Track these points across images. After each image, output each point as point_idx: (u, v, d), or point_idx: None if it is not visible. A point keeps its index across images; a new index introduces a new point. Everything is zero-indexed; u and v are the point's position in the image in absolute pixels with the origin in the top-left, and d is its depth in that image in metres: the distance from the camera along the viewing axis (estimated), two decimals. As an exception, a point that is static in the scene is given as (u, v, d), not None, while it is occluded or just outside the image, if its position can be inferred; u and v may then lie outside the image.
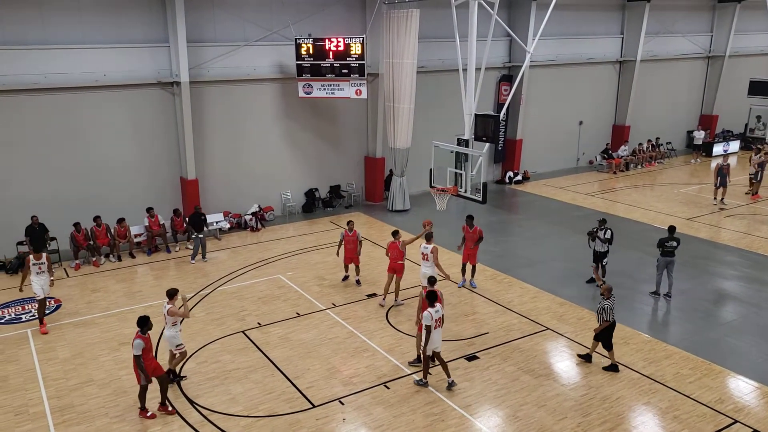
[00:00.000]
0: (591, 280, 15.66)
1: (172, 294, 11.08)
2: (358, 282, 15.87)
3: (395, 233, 14.67)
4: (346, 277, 16.02)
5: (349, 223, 15.58)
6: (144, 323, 10.13)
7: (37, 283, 13.47)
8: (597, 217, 21.47)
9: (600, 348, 11.90)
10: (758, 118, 27.05)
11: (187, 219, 18.43)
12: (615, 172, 28.61)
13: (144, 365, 10.04)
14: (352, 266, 15.83)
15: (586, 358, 12.06)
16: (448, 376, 11.12)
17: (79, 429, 9.99)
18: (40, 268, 13.52)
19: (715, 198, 23.20)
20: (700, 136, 30.09)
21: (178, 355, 11.29)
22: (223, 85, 20.01)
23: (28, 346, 12.79)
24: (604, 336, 11.73)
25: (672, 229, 14.97)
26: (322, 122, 22.29)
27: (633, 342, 12.84)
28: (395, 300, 14.60)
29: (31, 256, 13.57)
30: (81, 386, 11.28)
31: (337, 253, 15.67)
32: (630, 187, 26.27)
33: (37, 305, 13.65)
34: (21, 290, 13.63)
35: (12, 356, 12.38)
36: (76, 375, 11.66)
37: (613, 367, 11.73)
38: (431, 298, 10.82)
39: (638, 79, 29.64)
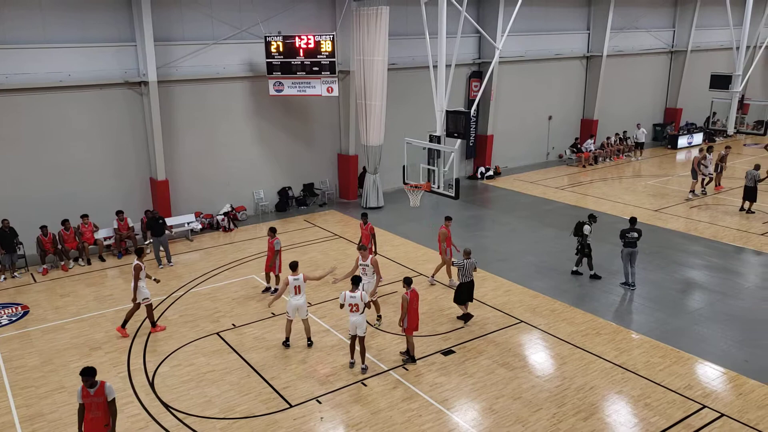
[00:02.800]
0: (575, 272, 15.99)
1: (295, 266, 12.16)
2: (267, 289, 15.13)
3: (364, 216, 15.34)
4: (266, 289, 15.25)
5: (269, 230, 14.91)
6: (95, 374, 8.33)
7: None
8: (567, 211, 21.94)
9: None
10: (713, 113, 27.78)
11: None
12: (584, 166, 29.04)
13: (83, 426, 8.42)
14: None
15: (464, 318, 13.42)
16: (363, 363, 11.64)
17: (51, 437, 9.80)
18: None
19: (692, 191, 23.43)
20: (641, 134, 30.45)
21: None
22: (193, 84, 19.76)
23: (-5, 354, 12.51)
24: (464, 294, 13.25)
25: (633, 221, 15.28)
26: (294, 120, 22.17)
27: (604, 332, 13.08)
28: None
29: None
30: (51, 394, 11.06)
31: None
32: (599, 180, 26.70)
33: None
34: None
35: (-21, 365, 12.09)
36: (45, 382, 11.43)
37: (466, 316, 13.41)
38: (353, 282, 11.42)
39: (605, 74, 30.16)
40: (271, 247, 14.73)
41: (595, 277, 15.82)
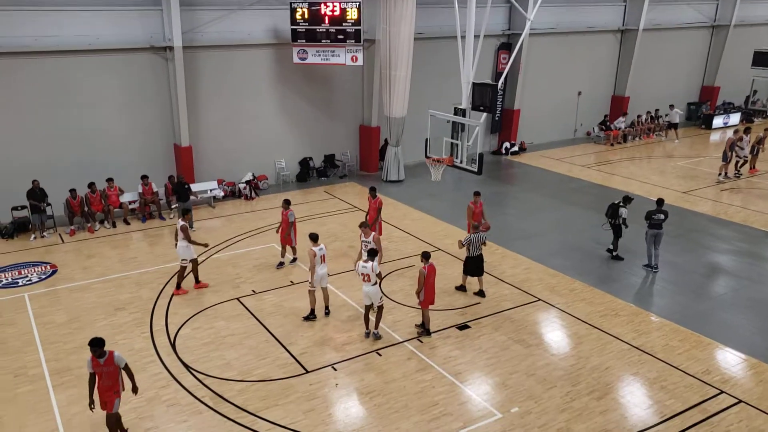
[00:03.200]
0: (616, 257, 15.74)
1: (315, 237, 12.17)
2: (281, 265, 14.95)
3: (373, 190, 15.27)
4: (281, 264, 15.06)
5: (283, 201, 14.75)
6: (103, 344, 8.44)
7: None
8: (592, 190, 21.64)
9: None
10: (754, 92, 26.81)
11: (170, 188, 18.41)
12: (612, 144, 28.53)
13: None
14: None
15: (480, 294, 13.56)
16: (375, 328, 11.80)
17: (77, 391, 10.10)
18: None
19: (721, 174, 22.85)
20: (675, 114, 29.48)
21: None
22: (217, 51, 19.75)
23: (25, 310, 12.88)
24: (470, 268, 13.34)
25: (660, 202, 15.02)
26: (317, 89, 22.08)
27: (623, 314, 12.98)
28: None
29: None
30: (78, 350, 11.39)
31: (277, 231, 15.04)
32: (627, 159, 26.23)
33: None
34: None
35: (10, 320, 12.47)
36: (72, 339, 11.77)
37: (481, 293, 13.54)
38: (369, 254, 11.51)
39: (640, 49, 29.31)
40: (285, 219, 14.61)
41: (615, 258, 15.64)
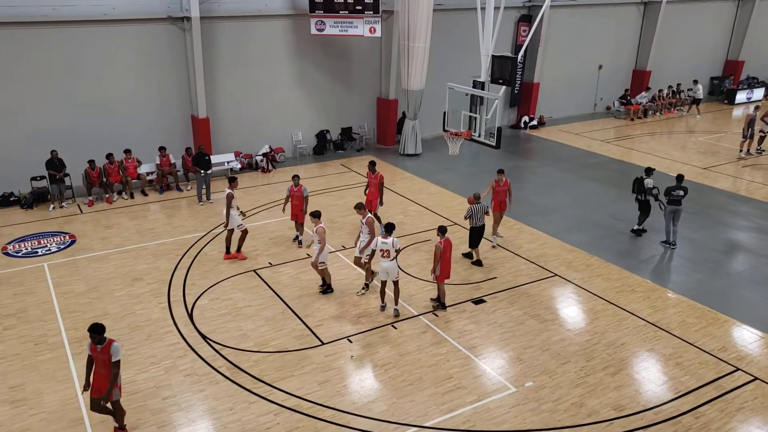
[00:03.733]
0: (637, 231, 15.61)
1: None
2: (297, 240, 14.77)
3: (372, 164, 15.08)
4: (296, 237, 14.87)
5: (294, 177, 14.39)
6: (103, 330, 8.25)
7: None
8: (611, 165, 21.38)
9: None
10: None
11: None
12: (632, 119, 28.08)
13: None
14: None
15: (477, 264, 13.77)
16: (396, 304, 11.75)
17: (96, 360, 10.29)
18: None
19: (741, 150, 22.47)
20: (698, 90, 28.80)
21: None
22: (235, 21, 19.59)
23: (45, 279, 13.08)
24: (475, 238, 13.49)
25: (680, 178, 14.80)
26: (334, 61, 21.89)
27: (640, 290, 12.90)
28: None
29: None
30: (96, 319, 11.52)
31: (283, 209, 14.65)
32: (647, 134, 25.83)
33: None
34: None
35: (30, 289, 12.69)
36: (91, 308, 11.96)
37: (478, 263, 13.76)
38: (386, 229, 11.37)
39: (663, 22, 28.60)
40: (300, 194, 14.26)
41: (637, 232, 15.48)
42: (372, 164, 15.32)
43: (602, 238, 15.44)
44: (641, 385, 9.90)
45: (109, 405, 8.44)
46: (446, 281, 11.97)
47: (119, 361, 8.21)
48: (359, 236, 12.74)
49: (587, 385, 9.86)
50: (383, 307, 11.90)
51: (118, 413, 8.59)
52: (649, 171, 15.37)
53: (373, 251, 11.81)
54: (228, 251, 14.06)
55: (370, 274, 12.74)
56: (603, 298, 12.56)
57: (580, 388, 9.79)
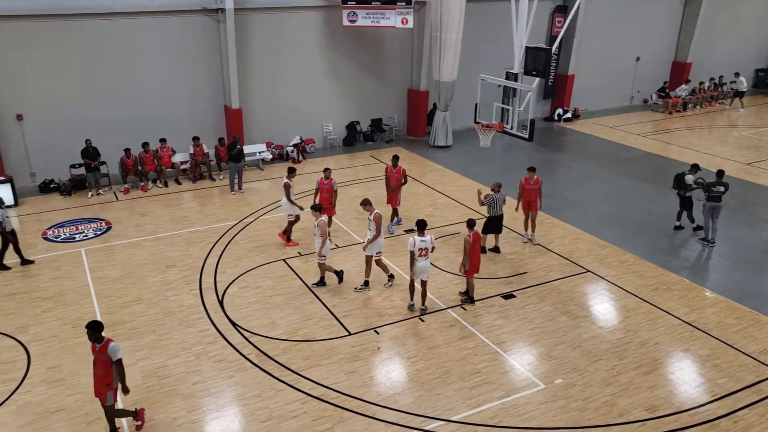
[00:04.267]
0: (677, 227, 15.28)
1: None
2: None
3: (395, 158, 14.82)
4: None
5: (325, 170, 14.21)
6: (101, 329, 8.10)
7: None
8: (648, 160, 20.90)
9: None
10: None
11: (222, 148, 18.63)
12: (671, 112, 27.38)
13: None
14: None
15: (495, 250, 13.79)
16: (423, 304, 11.52)
17: (129, 344, 10.49)
18: None
19: None
20: (741, 83, 27.91)
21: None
22: (268, 13, 19.66)
23: (82, 264, 13.37)
24: (491, 227, 13.42)
25: (720, 173, 14.38)
26: (365, 53, 21.82)
27: (676, 288, 12.59)
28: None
29: None
30: (130, 304, 11.80)
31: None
32: (686, 128, 25.17)
33: None
34: None
35: (67, 273, 12.98)
36: (125, 294, 12.18)
37: (496, 249, 13.81)
38: (419, 227, 11.07)
39: (705, 11, 27.75)
40: (329, 187, 14.08)
41: (699, 228, 15.05)
42: (395, 158, 15.06)
43: (637, 234, 15.11)
44: (676, 386, 9.66)
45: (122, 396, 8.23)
46: (475, 275, 11.85)
47: (121, 359, 8.03)
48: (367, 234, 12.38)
49: (619, 384, 9.67)
50: (411, 306, 11.66)
51: (108, 415, 8.37)
52: (694, 168, 14.94)
53: (412, 253, 11.04)
54: (288, 239, 14.32)
55: (387, 269, 12.47)
56: (637, 295, 12.29)
57: (612, 387, 9.60)
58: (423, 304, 11.56)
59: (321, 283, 12.48)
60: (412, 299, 11.68)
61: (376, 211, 12.01)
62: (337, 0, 20.00)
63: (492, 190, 13.47)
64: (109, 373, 8.09)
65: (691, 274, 13.20)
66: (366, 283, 12.41)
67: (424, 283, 11.42)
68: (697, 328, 11.18)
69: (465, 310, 11.66)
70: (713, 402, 9.32)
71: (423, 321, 11.29)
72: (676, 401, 9.33)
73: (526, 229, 14.53)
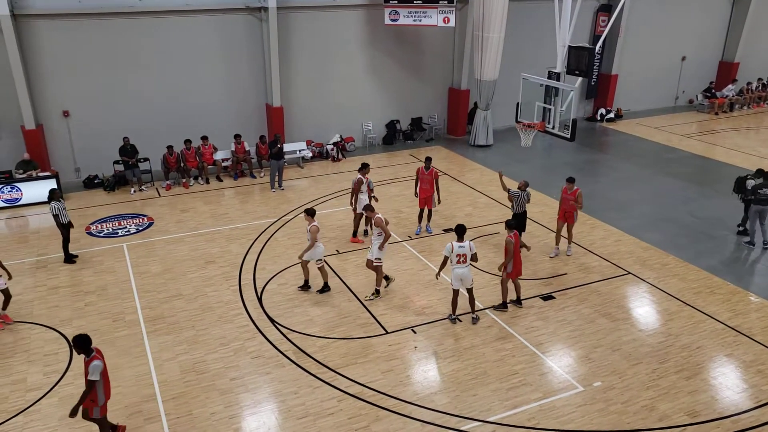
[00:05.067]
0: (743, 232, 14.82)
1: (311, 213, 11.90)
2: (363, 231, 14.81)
3: (428, 160, 14.72)
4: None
5: (363, 166, 14.36)
6: (87, 341, 7.69)
7: None
8: (692, 161, 20.38)
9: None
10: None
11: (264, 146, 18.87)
12: (717, 113, 26.62)
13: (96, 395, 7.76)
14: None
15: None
16: (473, 312, 11.24)
17: (169, 338, 10.74)
18: None
19: None
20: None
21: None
22: (310, 12, 19.85)
23: (123, 259, 13.73)
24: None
25: (767, 176, 13.93)
26: (406, 52, 21.83)
27: (719, 292, 12.26)
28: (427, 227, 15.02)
29: None
30: (170, 299, 12.06)
31: (350, 203, 14.57)
32: (732, 129, 24.44)
33: None
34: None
35: (110, 268, 13.35)
36: (166, 289, 12.45)
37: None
38: (459, 233, 10.73)
39: (755, 9, 26.87)
40: (363, 185, 14.20)
41: (745, 231, 14.67)
42: (428, 160, 14.83)
43: (680, 236, 14.76)
44: (718, 392, 9.42)
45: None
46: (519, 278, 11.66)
47: (94, 382, 7.60)
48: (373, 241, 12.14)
49: (659, 389, 9.47)
50: (454, 319, 11.18)
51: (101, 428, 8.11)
52: (759, 173, 14.42)
53: (446, 258, 10.72)
54: (354, 234, 14.58)
55: (382, 280, 12.09)
56: (679, 298, 12.01)
57: (652, 391, 9.42)
58: (473, 312, 11.19)
59: (306, 285, 12.24)
60: (454, 312, 11.18)
61: (378, 215, 11.78)
62: (379, -1, 20.09)
63: (519, 188, 13.35)
64: (94, 390, 7.75)
65: (736, 278, 12.83)
66: (377, 292, 12.07)
67: (469, 291, 11.03)
68: (741, 333, 10.87)
69: (505, 310, 11.52)
70: (757, 408, 9.06)
71: (460, 321, 11.24)
72: (719, 407, 9.10)
73: (557, 243, 13.84)
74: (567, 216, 13.44)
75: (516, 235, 11.21)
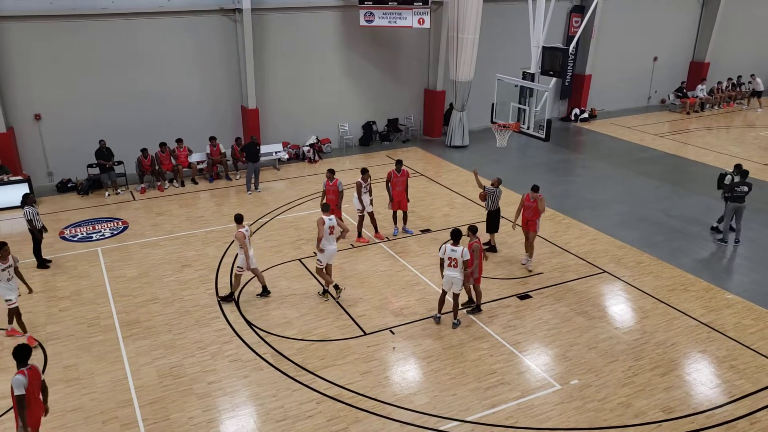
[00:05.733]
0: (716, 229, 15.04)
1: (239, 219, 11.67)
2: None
3: (399, 163, 14.67)
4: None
5: (328, 171, 14.27)
6: (24, 355, 7.47)
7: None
8: (664, 160, 20.71)
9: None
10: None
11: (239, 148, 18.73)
12: (688, 113, 27.10)
13: (25, 413, 7.35)
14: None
15: (492, 249, 13.65)
16: (455, 318, 11.16)
17: (145, 343, 10.60)
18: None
19: None
20: (758, 83, 27.61)
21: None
22: (285, 13, 19.75)
23: (98, 263, 13.52)
24: (493, 223, 13.56)
25: (744, 173, 14.20)
26: (382, 53, 21.84)
27: (693, 289, 12.46)
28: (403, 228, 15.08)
29: None
30: (146, 303, 11.90)
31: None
32: (704, 128, 24.90)
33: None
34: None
35: (84, 272, 13.13)
36: (142, 293, 12.29)
37: (491, 248, 13.72)
38: (454, 236, 10.72)
39: (724, 11, 27.43)
40: (335, 189, 14.01)
41: (718, 229, 14.93)
42: (398, 163, 14.75)
43: (654, 234, 14.98)
44: (692, 388, 9.58)
45: None
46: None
47: (21, 396, 7.26)
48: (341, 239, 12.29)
49: (635, 385, 9.60)
50: (438, 319, 11.27)
51: None
52: (737, 168, 14.64)
53: (442, 260, 10.74)
54: (360, 234, 14.68)
55: (331, 282, 12.00)
56: (653, 296, 12.19)
57: (628, 388, 9.54)
58: (455, 318, 11.15)
59: (264, 291, 12.10)
60: (439, 312, 11.26)
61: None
62: (354, 0, 20.04)
63: (492, 185, 13.46)
64: (39, 405, 7.67)
65: (709, 275, 13.06)
66: (337, 288, 12.12)
67: (455, 296, 10.99)
68: (715, 329, 11.07)
69: (480, 311, 11.60)
70: (730, 403, 9.23)
71: (439, 322, 11.27)
72: (693, 402, 9.25)
73: (527, 251, 13.48)
74: (529, 224, 12.98)
75: (479, 240, 11.21)
